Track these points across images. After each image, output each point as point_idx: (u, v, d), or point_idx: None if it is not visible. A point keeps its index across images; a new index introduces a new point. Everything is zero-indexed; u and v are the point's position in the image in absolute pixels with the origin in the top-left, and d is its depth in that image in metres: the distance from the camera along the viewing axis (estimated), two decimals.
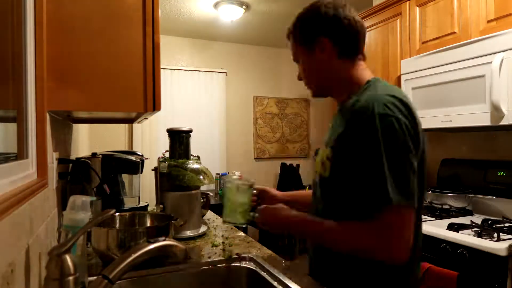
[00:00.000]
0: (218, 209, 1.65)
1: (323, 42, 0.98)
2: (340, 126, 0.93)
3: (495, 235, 1.52)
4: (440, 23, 2.12)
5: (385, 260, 0.83)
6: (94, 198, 0.94)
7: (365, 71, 1.01)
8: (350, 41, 0.99)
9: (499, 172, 1.99)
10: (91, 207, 0.93)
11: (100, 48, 1.06)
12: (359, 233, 0.85)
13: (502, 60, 1.66)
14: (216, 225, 1.72)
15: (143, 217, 1.38)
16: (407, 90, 2.20)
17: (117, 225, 1.32)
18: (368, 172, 0.83)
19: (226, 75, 4.69)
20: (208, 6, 3.56)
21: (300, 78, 1.09)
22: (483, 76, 1.75)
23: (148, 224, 1.35)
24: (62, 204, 1.36)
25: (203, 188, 1.71)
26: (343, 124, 0.92)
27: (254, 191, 1.22)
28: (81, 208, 0.89)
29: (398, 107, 0.85)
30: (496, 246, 1.45)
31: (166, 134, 1.67)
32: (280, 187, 4.75)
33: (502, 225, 1.72)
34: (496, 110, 1.67)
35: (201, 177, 1.57)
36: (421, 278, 0.99)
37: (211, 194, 1.97)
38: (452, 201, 2.03)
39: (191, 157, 1.67)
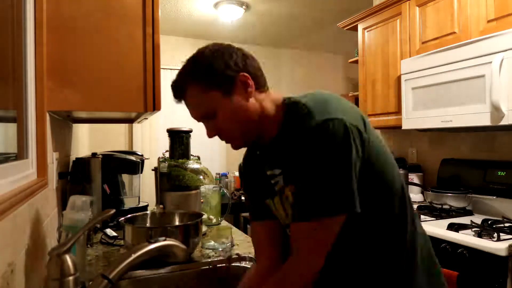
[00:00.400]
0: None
1: (245, 77, 0.83)
2: (286, 155, 0.84)
3: (495, 235, 1.52)
4: (440, 23, 2.12)
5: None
6: (94, 198, 0.94)
7: (271, 96, 0.91)
8: (260, 71, 0.89)
9: (499, 172, 1.99)
10: (91, 207, 0.94)
11: (100, 48, 1.06)
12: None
13: (502, 60, 1.66)
14: (217, 225, 1.72)
15: (171, 215, 1.39)
16: (407, 90, 2.21)
17: (148, 223, 1.34)
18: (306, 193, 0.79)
19: None
20: (208, 6, 3.56)
21: (213, 136, 0.87)
22: (483, 76, 1.75)
23: (177, 222, 1.36)
24: (62, 204, 1.36)
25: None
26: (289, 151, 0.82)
27: None
28: (81, 208, 0.89)
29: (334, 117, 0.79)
30: (496, 246, 1.45)
31: (166, 134, 1.67)
32: None
33: (502, 225, 1.72)
34: (496, 110, 1.67)
35: (201, 177, 1.58)
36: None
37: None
38: (452, 201, 2.03)
39: (191, 157, 1.67)
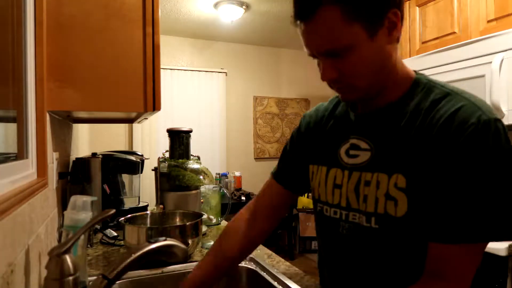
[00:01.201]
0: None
1: (396, 17, 0.65)
2: (411, 142, 0.66)
3: None
4: (440, 23, 2.12)
5: None
6: (95, 198, 0.94)
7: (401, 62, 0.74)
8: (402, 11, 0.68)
9: None
10: (92, 207, 0.94)
11: (100, 48, 1.06)
12: None
13: (502, 60, 1.66)
14: (217, 225, 1.72)
15: (171, 215, 1.40)
16: None
17: (148, 223, 1.35)
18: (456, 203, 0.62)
19: (226, 75, 4.69)
20: (208, 6, 3.56)
21: (331, 78, 0.69)
22: (483, 76, 1.75)
23: (177, 222, 1.37)
24: (62, 204, 1.36)
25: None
26: (414, 136, 0.66)
27: None
28: (82, 208, 0.89)
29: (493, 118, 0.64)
30: (496, 246, 1.45)
31: (166, 134, 1.67)
32: None
33: None
34: (496, 110, 1.67)
35: (201, 177, 1.58)
36: None
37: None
38: None
39: (191, 157, 1.67)
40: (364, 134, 0.75)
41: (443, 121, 0.63)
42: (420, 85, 0.71)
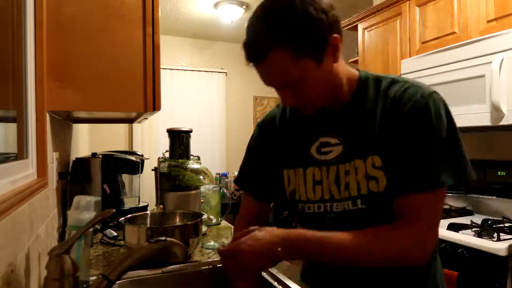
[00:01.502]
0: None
1: (337, 40, 0.73)
2: (370, 122, 0.78)
3: (495, 235, 1.52)
4: (440, 23, 2.12)
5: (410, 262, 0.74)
6: (98, 198, 0.94)
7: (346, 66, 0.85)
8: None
9: (499, 172, 1.99)
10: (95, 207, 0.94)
11: (100, 48, 1.06)
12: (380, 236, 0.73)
13: (502, 60, 1.66)
14: (217, 225, 1.72)
15: (171, 215, 1.40)
16: None
17: (148, 223, 1.35)
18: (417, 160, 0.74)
19: (226, 75, 4.69)
20: (208, 6, 3.56)
21: (292, 104, 0.79)
22: (483, 76, 1.75)
23: (177, 222, 1.36)
24: (62, 204, 1.36)
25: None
26: (375, 118, 0.78)
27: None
28: (86, 208, 0.90)
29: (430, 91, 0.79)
30: (496, 246, 1.45)
31: (166, 134, 1.67)
32: None
33: (502, 225, 1.72)
34: (496, 110, 1.67)
35: (201, 177, 1.58)
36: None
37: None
38: (452, 201, 2.03)
39: (191, 157, 1.67)
40: (331, 131, 0.83)
41: (396, 101, 0.75)
42: (368, 80, 0.82)
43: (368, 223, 0.75)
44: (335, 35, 0.73)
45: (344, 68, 0.82)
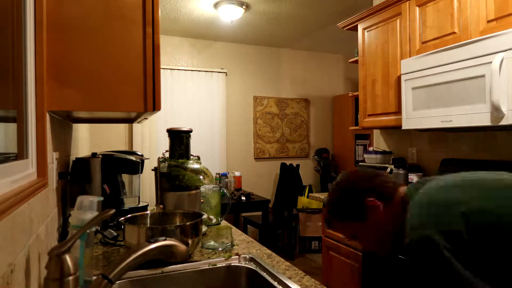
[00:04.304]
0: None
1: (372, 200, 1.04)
2: None
3: None
4: (440, 23, 2.12)
5: None
6: (101, 198, 0.94)
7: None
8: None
9: None
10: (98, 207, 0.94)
11: (100, 48, 1.06)
12: None
13: (502, 60, 1.66)
14: (217, 225, 1.72)
15: (171, 215, 1.40)
16: (407, 90, 2.21)
17: (148, 223, 1.35)
18: None
19: (226, 75, 4.69)
20: (208, 6, 3.56)
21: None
22: (483, 76, 1.75)
23: (177, 222, 1.37)
24: (62, 204, 1.36)
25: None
26: None
27: None
28: (89, 208, 0.90)
29: None
30: None
31: (166, 134, 1.67)
32: (280, 187, 4.75)
33: None
34: (496, 110, 1.67)
35: (201, 177, 1.58)
36: None
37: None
38: None
39: (191, 157, 1.67)
40: None
41: None
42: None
43: None
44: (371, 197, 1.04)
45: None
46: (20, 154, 0.83)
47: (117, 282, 0.72)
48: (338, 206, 1.06)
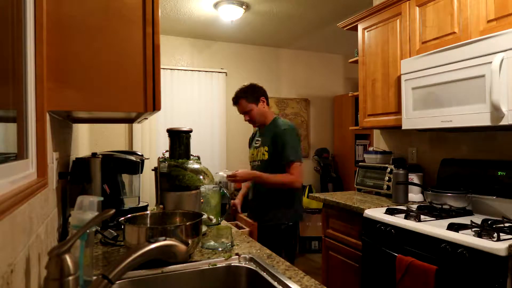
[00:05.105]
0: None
1: (264, 100, 2.35)
2: (268, 136, 2.27)
3: (495, 235, 1.52)
4: (440, 23, 2.12)
5: (293, 187, 2.22)
6: (101, 198, 0.94)
7: (270, 111, 2.39)
8: (267, 97, 2.39)
9: (499, 172, 1.99)
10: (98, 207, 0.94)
11: (100, 48, 1.06)
12: (283, 176, 2.19)
13: (502, 60, 1.66)
14: (217, 225, 1.72)
15: (171, 215, 1.40)
16: (407, 90, 2.21)
17: (148, 223, 1.35)
18: (284, 150, 2.18)
19: (226, 75, 4.69)
20: (208, 6, 3.56)
21: (247, 120, 2.36)
22: (483, 76, 1.75)
23: (177, 222, 1.37)
24: (62, 204, 1.36)
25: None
26: (270, 135, 2.26)
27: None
28: (89, 208, 0.90)
29: (293, 126, 2.28)
30: (496, 246, 1.45)
31: (166, 134, 1.67)
32: None
33: (502, 225, 1.72)
34: (496, 110, 1.67)
35: (201, 177, 1.58)
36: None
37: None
38: (452, 201, 2.03)
39: (191, 157, 1.67)
40: (259, 136, 2.40)
41: (277, 128, 2.27)
42: (276, 119, 2.35)
43: (265, 170, 2.21)
44: (263, 97, 2.35)
45: (269, 111, 2.38)
46: (20, 154, 0.83)
47: (117, 282, 0.72)
48: None
